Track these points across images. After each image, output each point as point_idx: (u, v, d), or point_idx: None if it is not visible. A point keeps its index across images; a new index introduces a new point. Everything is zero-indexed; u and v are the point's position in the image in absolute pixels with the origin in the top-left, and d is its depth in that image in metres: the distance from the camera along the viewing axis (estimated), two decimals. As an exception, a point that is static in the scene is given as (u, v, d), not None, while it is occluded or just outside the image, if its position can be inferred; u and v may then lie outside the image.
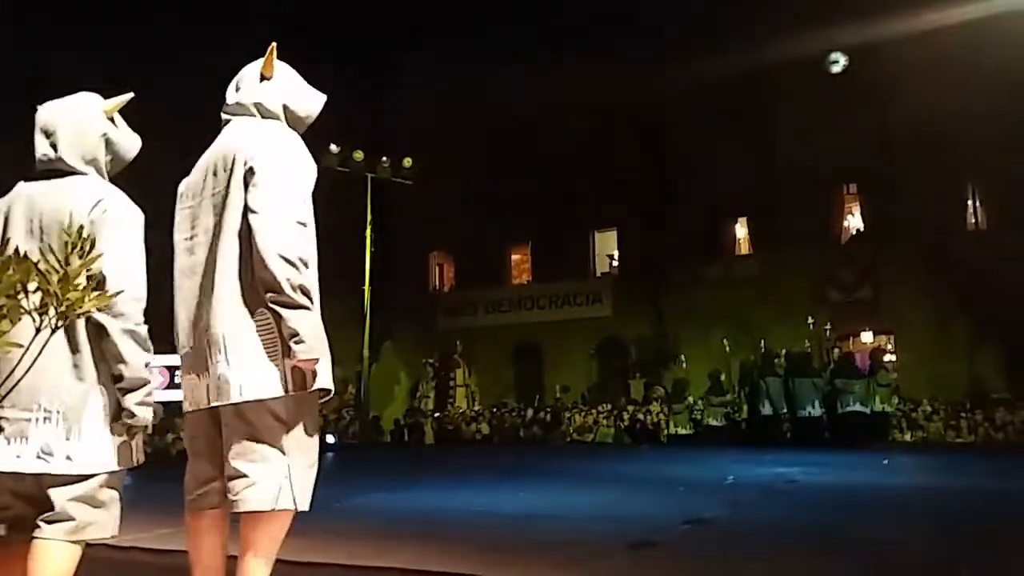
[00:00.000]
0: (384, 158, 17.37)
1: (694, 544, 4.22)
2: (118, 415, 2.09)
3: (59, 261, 1.66)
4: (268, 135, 2.23)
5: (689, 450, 12.96)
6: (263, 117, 2.30)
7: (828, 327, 15.55)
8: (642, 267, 20.47)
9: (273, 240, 2.06)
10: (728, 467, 8.67)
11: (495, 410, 18.33)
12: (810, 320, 15.58)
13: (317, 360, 2.09)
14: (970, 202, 18.36)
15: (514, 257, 23.39)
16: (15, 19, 15.06)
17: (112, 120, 2.27)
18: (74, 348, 2.07)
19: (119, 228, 2.14)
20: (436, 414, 18.31)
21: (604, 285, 21.45)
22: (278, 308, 2.05)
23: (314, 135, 2.46)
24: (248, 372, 2.09)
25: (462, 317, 22.46)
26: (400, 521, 4.84)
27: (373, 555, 3.62)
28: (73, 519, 2.04)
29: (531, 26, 20.67)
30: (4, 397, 1.92)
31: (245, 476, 2.08)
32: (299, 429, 2.14)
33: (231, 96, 2.34)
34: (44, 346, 1.89)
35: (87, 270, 1.84)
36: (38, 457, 2.01)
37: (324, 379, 2.13)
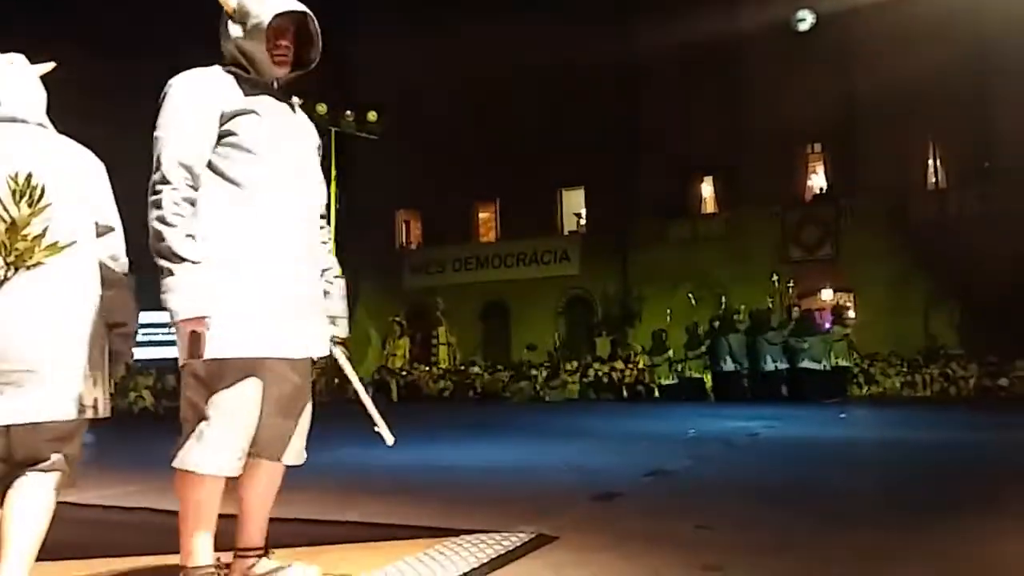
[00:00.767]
0: (348, 112, 17.06)
1: (655, 494, 4.31)
2: (96, 364, 2.06)
3: (6, 210, 1.61)
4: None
5: (658, 405, 13.19)
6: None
7: (790, 284, 15.81)
8: (609, 225, 20.54)
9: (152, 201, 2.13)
10: (689, 421, 8.85)
11: (462, 367, 18.39)
12: (774, 278, 15.82)
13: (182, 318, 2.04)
14: (931, 162, 18.66)
15: (481, 215, 23.29)
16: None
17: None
18: (51, 294, 2.01)
19: (101, 177, 2.14)
20: (403, 371, 18.31)
21: (571, 243, 21.51)
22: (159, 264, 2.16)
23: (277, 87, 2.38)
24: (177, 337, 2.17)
25: (429, 275, 22.40)
26: (367, 476, 4.87)
27: (339, 509, 3.64)
28: (64, 469, 2.04)
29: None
30: None
31: (180, 434, 2.17)
32: (219, 391, 2.12)
33: None
34: (19, 292, 1.88)
35: (37, 219, 1.79)
36: (14, 411, 1.97)
37: (217, 349, 2.06)
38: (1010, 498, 4.03)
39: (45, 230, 1.78)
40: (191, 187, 2.09)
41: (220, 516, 2.21)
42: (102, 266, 2.09)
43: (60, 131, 2.19)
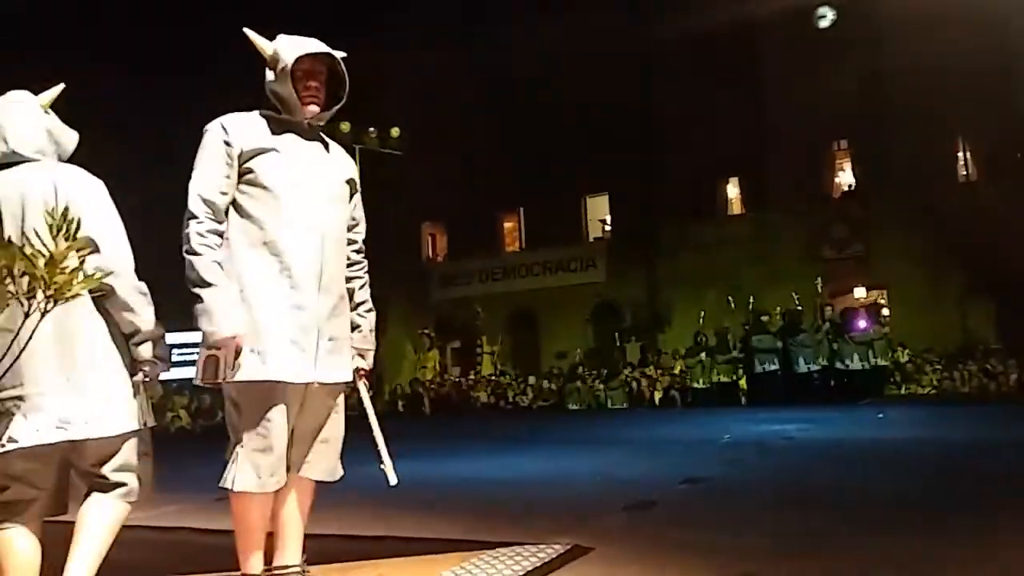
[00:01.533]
0: (371, 129, 17.22)
1: (691, 503, 4.28)
2: (128, 375, 2.15)
3: (44, 245, 1.66)
4: None
5: (691, 410, 13.08)
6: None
7: (820, 284, 15.62)
8: (635, 231, 20.45)
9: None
10: (723, 426, 8.76)
11: (492, 378, 18.42)
12: (807, 278, 15.63)
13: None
14: (960, 154, 18.34)
15: (506, 225, 23.33)
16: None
17: (48, 113, 2.31)
18: (75, 318, 2.09)
19: (94, 196, 2.20)
20: (434, 383, 18.37)
21: (597, 250, 21.45)
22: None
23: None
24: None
25: (456, 287, 22.47)
26: (399, 491, 4.88)
27: (372, 525, 3.67)
28: (125, 484, 2.12)
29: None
30: (3, 376, 1.95)
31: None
32: (246, 414, 2.26)
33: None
34: (42, 320, 1.93)
35: (75, 252, 1.84)
36: (57, 428, 2.04)
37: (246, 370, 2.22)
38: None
39: (82, 262, 1.84)
40: (213, 220, 2.27)
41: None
42: (110, 277, 2.13)
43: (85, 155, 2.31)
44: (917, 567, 2.73)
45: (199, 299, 2.18)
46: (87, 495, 2.13)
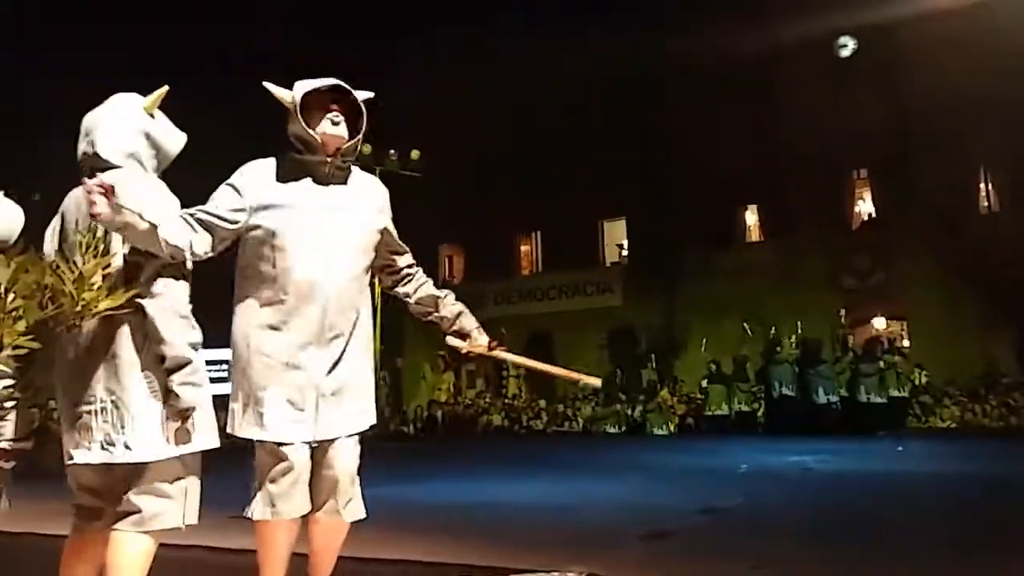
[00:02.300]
0: (392, 151, 17.36)
1: (707, 533, 4.22)
2: (167, 399, 2.11)
3: (73, 262, 1.68)
4: None
5: (707, 437, 12.94)
6: None
7: (842, 313, 15.46)
8: (652, 256, 20.40)
9: None
10: (740, 455, 8.66)
11: (507, 400, 18.35)
12: (826, 306, 15.50)
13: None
14: (982, 184, 18.20)
15: (523, 248, 23.37)
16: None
17: (152, 116, 2.28)
18: (123, 337, 2.09)
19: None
20: (447, 404, 18.33)
21: (614, 274, 21.41)
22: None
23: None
24: None
25: (472, 309, 22.39)
26: (410, 514, 4.87)
27: (382, 548, 3.64)
28: (139, 510, 2.08)
29: (536, 13, 20.58)
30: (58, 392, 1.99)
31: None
32: (258, 453, 2.41)
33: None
34: (92, 338, 1.95)
35: (103, 268, 1.87)
36: (102, 448, 2.05)
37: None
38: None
39: (110, 280, 1.85)
40: (195, 220, 2.25)
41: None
42: (149, 306, 2.10)
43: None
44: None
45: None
46: (114, 522, 2.11)
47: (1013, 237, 16.62)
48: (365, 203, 2.46)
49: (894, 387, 12.89)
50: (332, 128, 2.36)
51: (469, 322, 2.65)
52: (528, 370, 2.42)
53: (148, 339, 2.08)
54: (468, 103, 20.99)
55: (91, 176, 2.09)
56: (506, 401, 18.32)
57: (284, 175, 2.35)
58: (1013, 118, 16.34)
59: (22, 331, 1.63)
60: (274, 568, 2.37)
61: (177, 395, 2.06)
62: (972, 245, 16.90)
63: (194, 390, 2.09)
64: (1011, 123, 16.38)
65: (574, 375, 2.50)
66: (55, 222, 2.21)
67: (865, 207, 19.55)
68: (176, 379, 2.06)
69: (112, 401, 2.06)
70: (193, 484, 2.17)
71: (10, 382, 2.08)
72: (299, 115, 2.33)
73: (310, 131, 2.33)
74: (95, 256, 1.74)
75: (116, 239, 2.02)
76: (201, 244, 2.21)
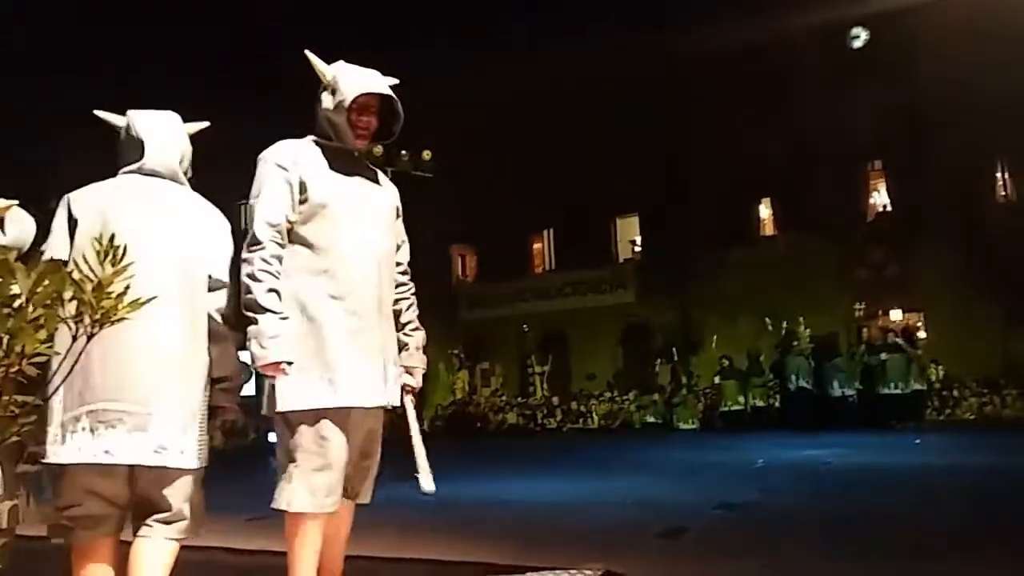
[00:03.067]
0: (403, 152, 17.40)
1: (724, 530, 4.22)
2: (210, 412, 2.19)
3: (92, 270, 1.71)
4: None
5: (723, 433, 12.91)
6: None
7: (858, 306, 15.35)
8: (665, 252, 20.34)
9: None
10: (757, 450, 8.64)
11: (522, 399, 18.37)
12: (841, 299, 15.40)
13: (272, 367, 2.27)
14: (999, 174, 18.02)
15: (536, 246, 23.37)
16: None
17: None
18: (184, 345, 2.14)
19: (222, 234, 2.30)
20: (457, 403, 18.37)
21: (627, 271, 21.37)
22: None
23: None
24: None
25: (485, 308, 22.52)
26: (426, 513, 4.88)
27: (399, 547, 3.67)
28: (186, 518, 2.14)
29: (548, 11, 20.56)
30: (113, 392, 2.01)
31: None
32: (302, 435, 2.32)
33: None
34: (137, 339, 2.00)
35: (120, 277, 1.89)
36: (155, 452, 2.07)
37: (282, 402, 2.29)
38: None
39: (127, 288, 1.88)
40: (279, 244, 2.30)
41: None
42: (210, 319, 2.20)
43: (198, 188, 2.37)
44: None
45: (253, 322, 2.22)
46: (138, 529, 2.13)
47: (1031, 227, 16.44)
48: (387, 186, 2.58)
49: (911, 379, 12.80)
50: (364, 127, 2.42)
51: (411, 360, 2.54)
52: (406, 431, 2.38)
53: (189, 347, 2.14)
54: (480, 102, 20.99)
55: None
56: (520, 399, 18.34)
57: (322, 154, 2.40)
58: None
59: (43, 339, 1.66)
60: (309, 566, 2.30)
61: (233, 410, 2.21)
62: (988, 236, 16.73)
63: (238, 410, 2.21)
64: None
65: (422, 464, 2.43)
66: (62, 218, 2.19)
67: (880, 199, 19.40)
68: (232, 397, 2.20)
69: (171, 406, 2.08)
70: (202, 496, 2.24)
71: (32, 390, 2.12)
72: (347, 109, 2.36)
73: (349, 126, 2.38)
74: (112, 264, 1.77)
75: (133, 246, 2.04)
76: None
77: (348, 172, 2.41)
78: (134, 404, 2.05)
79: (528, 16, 20.77)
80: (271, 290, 2.24)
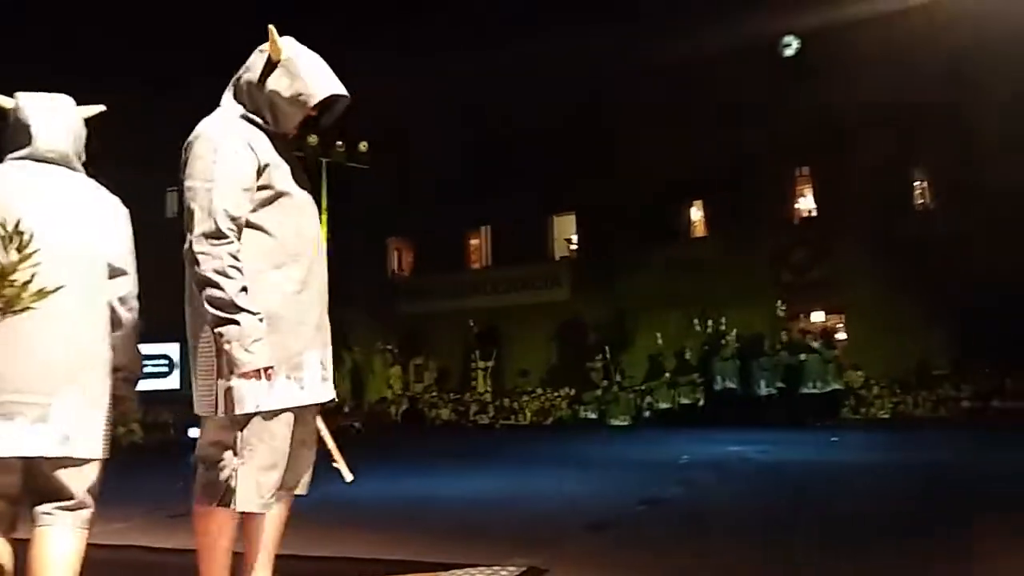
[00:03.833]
0: (339, 142, 17.13)
1: (648, 524, 4.30)
2: (114, 403, 2.12)
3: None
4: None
5: (651, 430, 13.15)
6: None
7: (780, 307, 15.86)
8: (600, 250, 20.60)
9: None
10: (682, 446, 8.84)
11: (453, 395, 18.34)
12: (767, 300, 15.88)
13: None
14: (917, 183, 18.85)
15: (472, 242, 23.35)
16: None
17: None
18: (85, 334, 2.06)
19: (120, 221, 2.20)
20: (396, 398, 18.22)
21: (563, 269, 21.56)
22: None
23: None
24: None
25: (421, 302, 22.41)
26: (356, 510, 4.84)
27: (327, 544, 3.62)
28: (90, 507, 2.07)
29: (485, 9, 20.54)
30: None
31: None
32: (253, 433, 2.22)
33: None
34: (45, 328, 1.91)
35: (26, 264, 1.81)
36: (60, 442, 1.99)
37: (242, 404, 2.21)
38: (997, 523, 4.04)
39: (32, 276, 1.79)
40: (237, 238, 2.12)
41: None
42: (111, 308, 2.13)
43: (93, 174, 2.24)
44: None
45: (230, 323, 2.04)
46: (40, 519, 2.04)
47: (946, 234, 17.26)
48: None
49: (830, 379, 13.30)
50: (304, 122, 2.34)
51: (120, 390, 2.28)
52: None
53: (89, 336, 2.05)
54: (418, 95, 20.83)
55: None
56: (454, 395, 18.31)
57: (263, 137, 2.23)
58: (947, 120, 16.95)
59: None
60: (223, 561, 2.22)
61: (134, 404, 2.14)
62: (907, 242, 17.50)
63: (136, 395, 2.13)
64: (945, 125, 17.00)
65: (338, 459, 2.43)
66: None
67: (806, 203, 20.07)
68: (133, 389, 2.13)
69: (79, 394, 2.01)
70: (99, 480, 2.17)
71: None
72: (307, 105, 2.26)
73: (298, 120, 2.29)
74: (17, 251, 1.69)
75: (39, 233, 1.95)
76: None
77: (288, 158, 2.30)
78: (34, 395, 1.96)
79: (467, 12, 20.71)
80: (243, 288, 2.07)
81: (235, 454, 2.14)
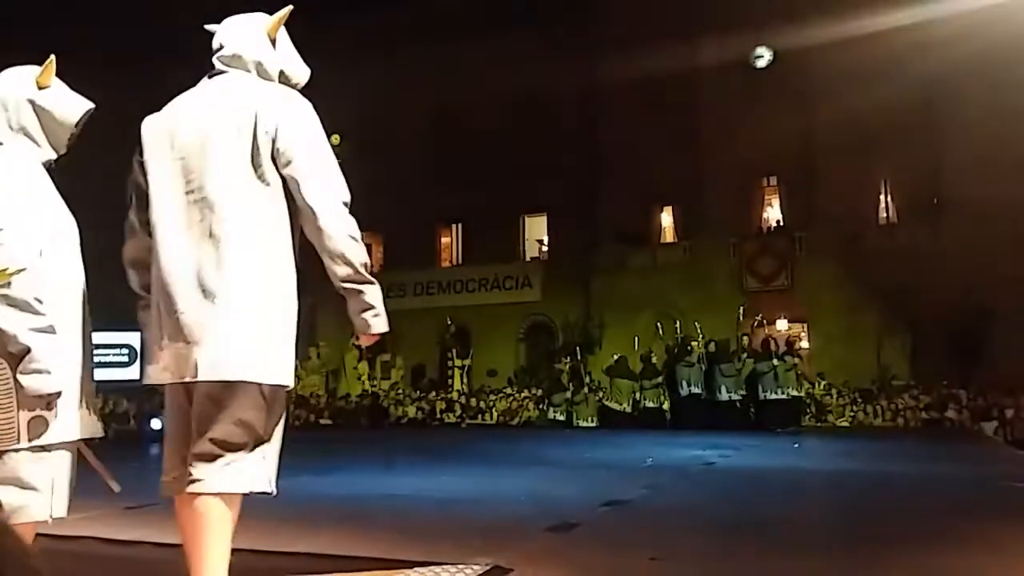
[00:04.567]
0: (312, 135, 16.99)
1: (611, 525, 4.33)
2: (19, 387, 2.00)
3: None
4: (294, 103, 2.15)
5: (616, 432, 13.22)
6: (259, 76, 2.21)
7: (744, 313, 16.08)
8: (571, 252, 20.70)
9: (341, 223, 2.13)
10: (646, 449, 8.91)
11: (420, 393, 18.28)
12: (733, 307, 16.08)
13: (381, 334, 2.15)
14: (883, 197, 19.24)
15: (443, 239, 23.31)
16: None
17: (45, 87, 2.16)
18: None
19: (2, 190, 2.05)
20: (361, 396, 18.10)
21: (533, 269, 21.62)
22: (356, 286, 2.11)
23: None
24: (253, 351, 2.03)
25: (390, 299, 22.17)
26: (321, 506, 4.80)
27: (290, 540, 3.59)
28: (16, 506, 1.97)
29: (464, 8, 20.52)
30: None
31: (221, 456, 2.02)
32: (275, 414, 2.12)
33: (228, 46, 2.21)
34: None
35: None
36: None
37: (286, 375, 2.12)
38: (948, 530, 4.14)
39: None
40: None
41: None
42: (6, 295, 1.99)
43: None
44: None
45: (370, 284, 2.13)
46: None
47: (908, 248, 17.65)
48: None
49: (792, 386, 13.49)
50: None
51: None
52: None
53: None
54: (392, 90, 20.74)
55: None
56: (420, 393, 18.25)
57: None
58: (911, 138, 17.33)
59: None
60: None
61: (21, 384, 1.96)
62: (870, 254, 17.85)
63: (39, 378, 1.97)
64: (909, 143, 17.37)
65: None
66: None
67: (773, 213, 20.36)
68: (20, 368, 1.96)
69: None
70: (61, 475, 2.07)
71: None
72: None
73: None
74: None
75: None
76: None
77: None
78: None
79: (450, 12, 20.67)
80: None
81: (264, 433, 2.08)
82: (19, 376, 1.96)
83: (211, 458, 2.00)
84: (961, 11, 15.60)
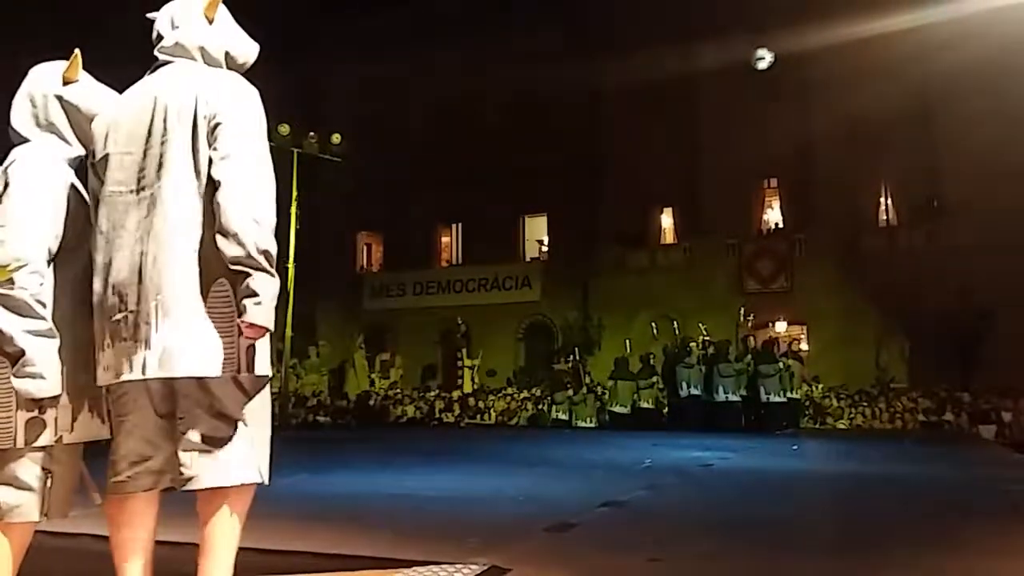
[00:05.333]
0: (312, 133, 16.97)
1: (609, 526, 4.33)
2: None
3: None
4: (232, 86, 2.09)
5: (614, 433, 13.22)
6: (205, 63, 2.15)
7: (743, 315, 16.09)
8: (570, 252, 20.70)
9: (246, 203, 1.95)
10: (645, 450, 8.90)
11: (419, 392, 18.28)
12: (732, 309, 16.08)
13: (267, 330, 1.99)
14: (882, 199, 19.24)
15: (443, 239, 23.31)
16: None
17: (74, 82, 2.15)
18: None
19: (12, 188, 2.04)
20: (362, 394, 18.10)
21: (533, 269, 21.62)
22: (243, 269, 1.94)
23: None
24: (201, 344, 1.97)
25: (390, 298, 22.31)
26: (321, 505, 4.80)
27: (289, 539, 3.58)
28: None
29: (465, 9, 20.52)
30: None
31: (209, 451, 2.00)
32: (259, 404, 2.08)
33: (168, 35, 2.16)
34: None
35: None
36: None
37: (263, 365, 2.06)
38: (945, 532, 4.14)
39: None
40: None
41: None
42: None
43: None
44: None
45: (272, 278, 1.97)
46: None
47: (907, 251, 17.66)
48: None
49: (791, 388, 13.50)
50: None
51: None
52: None
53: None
54: (394, 90, 20.74)
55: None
56: (419, 392, 18.25)
57: None
58: (912, 141, 17.33)
59: None
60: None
61: (14, 388, 1.96)
62: (870, 257, 17.86)
63: (29, 382, 1.96)
64: (910, 145, 17.37)
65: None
66: None
67: (773, 215, 20.37)
68: (12, 370, 1.95)
69: None
70: (58, 477, 2.05)
71: None
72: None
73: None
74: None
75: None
76: None
77: None
78: None
79: (452, 13, 20.66)
80: None
81: (253, 420, 2.07)
82: (12, 379, 1.95)
83: (199, 454, 1.99)
84: (961, 14, 15.61)
